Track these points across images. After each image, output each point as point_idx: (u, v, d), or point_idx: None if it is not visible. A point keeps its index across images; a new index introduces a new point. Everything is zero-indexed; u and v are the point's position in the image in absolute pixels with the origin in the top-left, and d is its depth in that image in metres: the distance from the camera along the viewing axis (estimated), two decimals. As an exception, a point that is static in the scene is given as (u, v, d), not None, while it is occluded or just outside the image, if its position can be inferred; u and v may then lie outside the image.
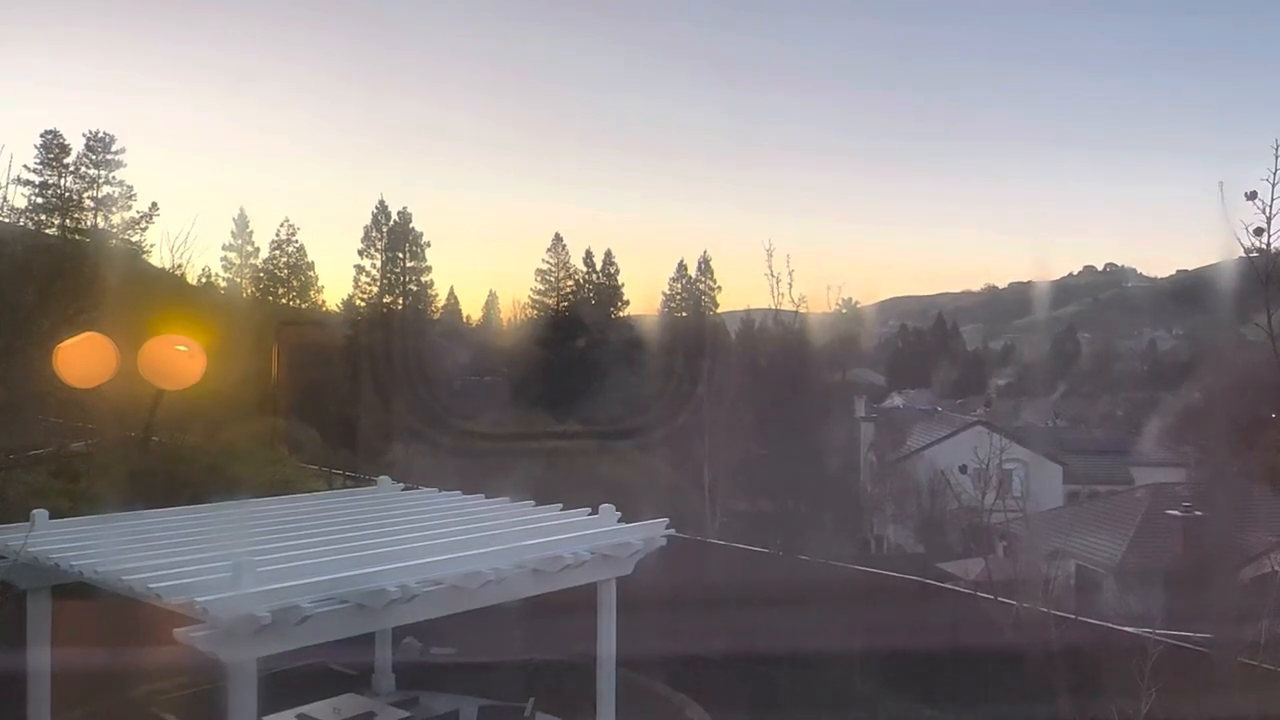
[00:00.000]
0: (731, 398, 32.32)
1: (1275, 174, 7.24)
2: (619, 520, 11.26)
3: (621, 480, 25.98)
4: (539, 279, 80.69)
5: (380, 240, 74.48)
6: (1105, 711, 7.97)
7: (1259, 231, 7.33)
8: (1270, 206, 7.29)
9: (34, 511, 10.37)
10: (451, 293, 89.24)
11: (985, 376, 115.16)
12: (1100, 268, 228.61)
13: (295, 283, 74.35)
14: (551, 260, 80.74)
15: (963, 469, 19.43)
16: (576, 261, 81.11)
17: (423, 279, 75.76)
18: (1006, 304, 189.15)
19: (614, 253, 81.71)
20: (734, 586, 15.95)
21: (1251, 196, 7.28)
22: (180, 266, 22.11)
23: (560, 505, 12.15)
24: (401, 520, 11.60)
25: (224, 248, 72.71)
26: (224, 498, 12.96)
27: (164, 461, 16.18)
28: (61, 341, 13.03)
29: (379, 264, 74.30)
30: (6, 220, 17.34)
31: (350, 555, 9.28)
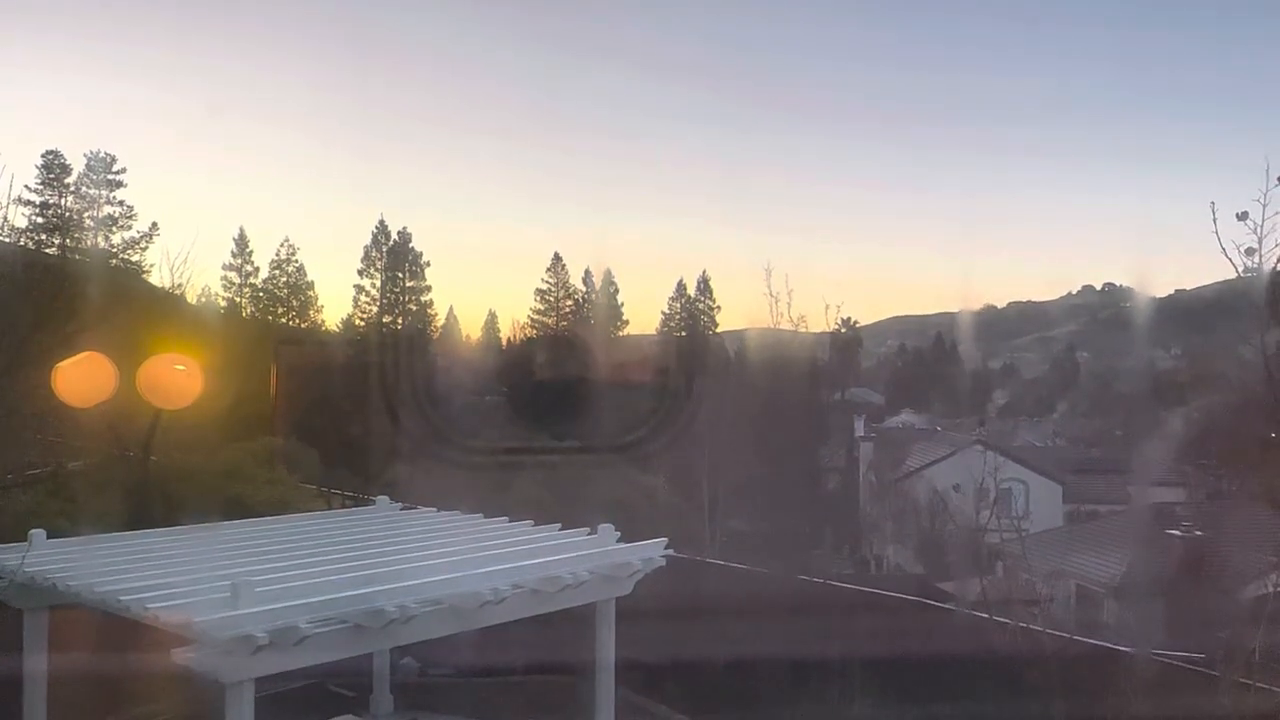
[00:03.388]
0: (730, 417, 32.31)
1: (1265, 194, 7.29)
2: (618, 540, 11.26)
3: (620, 500, 25.92)
4: (538, 299, 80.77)
5: (380, 260, 74.56)
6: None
7: (1250, 252, 7.37)
8: (1261, 226, 7.34)
9: (31, 531, 10.38)
10: (451, 312, 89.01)
11: (984, 396, 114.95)
12: (1099, 287, 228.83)
13: (295, 302, 74.40)
14: (551, 280, 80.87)
15: (956, 488, 19.39)
16: (576, 281, 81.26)
17: (422, 298, 75.76)
18: (1006, 323, 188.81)
19: (613, 272, 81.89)
20: (733, 606, 15.91)
21: (1243, 217, 7.32)
22: (180, 286, 22.24)
23: (559, 525, 12.15)
24: (400, 540, 11.59)
25: (224, 267, 72.64)
26: (222, 517, 12.96)
27: (162, 481, 16.18)
28: (60, 361, 13.08)
29: (379, 283, 74.36)
30: (7, 240, 17.42)
31: (349, 575, 9.28)
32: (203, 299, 53.88)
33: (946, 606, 16.65)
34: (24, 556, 9.51)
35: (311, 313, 74.68)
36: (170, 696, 12.84)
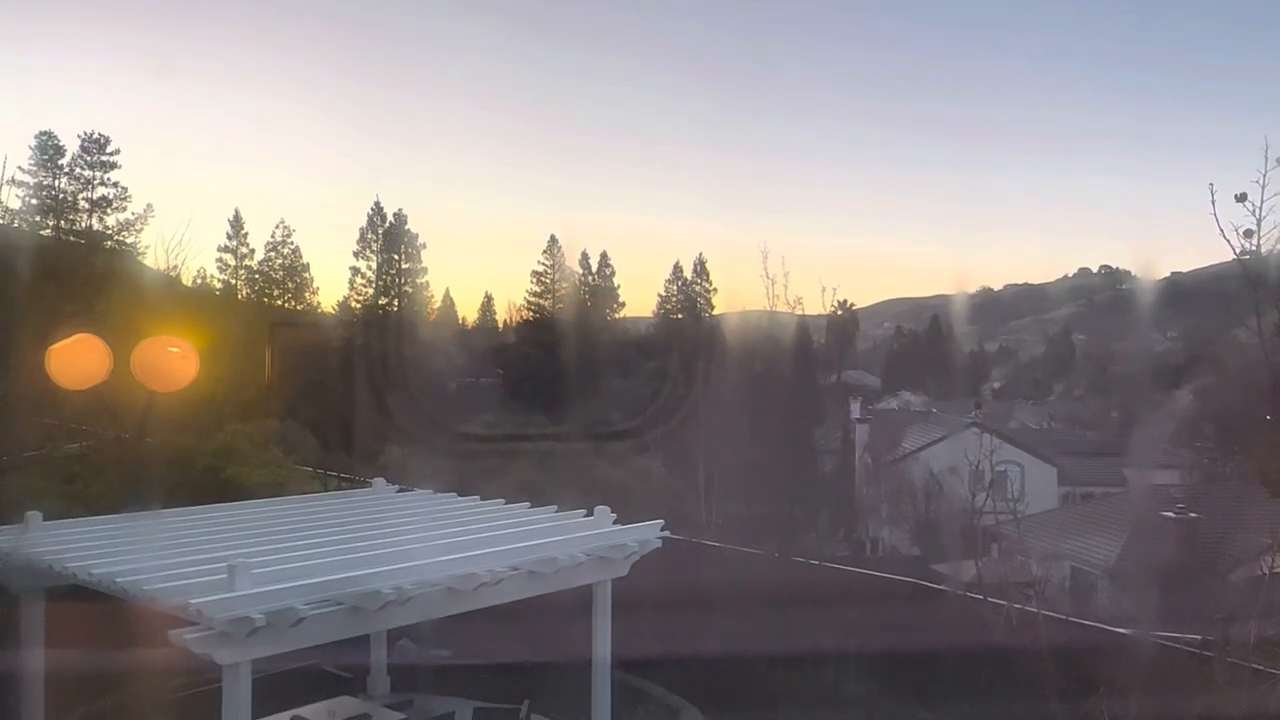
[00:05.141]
0: (727, 399, 32.30)
1: (1264, 176, 7.27)
2: (614, 522, 11.27)
3: (617, 482, 25.97)
4: (535, 281, 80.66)
5: (376, 242, 74.43)
6: (1096, 712, 8.00)
7: (1248, 234, 7.36)
8: (1260, 208, 7.32)
9: (28, 513, 10.37)
10: (447, 294, 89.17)
11: (981, 378, 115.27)
12: (1095, 269, 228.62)
13: (290, 284, 74.23)
14: (547, 262, 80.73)
15: (952, 471, 19.43)
16: (572, 263, 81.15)
17: (418, 281, 75.73)
18: (1002, 306, 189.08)
19: (610, 254, 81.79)
20: (729, 588, 15.95)
21: (1241, 199, 7.30)
22: (175, 268, 22.17)
23: (555, 507, 12.16)
24: (396, 522, 11.60)
25: (219, 249, 72.51)
26: (219, 499, 12.95)
27: (158, 463, 16.15)
28: (55, 343, 13.01)
29: (374, 266, 74.27)
30: (1, 221, 17.34)
31: (345, 557, 9.29)
32: (198, 281, 53.84)
33: (941, 588, 16.71)
34: (20, 538, 9.50)
35: (307, 295, 74.60)
36: (167, 677, 12.87)
